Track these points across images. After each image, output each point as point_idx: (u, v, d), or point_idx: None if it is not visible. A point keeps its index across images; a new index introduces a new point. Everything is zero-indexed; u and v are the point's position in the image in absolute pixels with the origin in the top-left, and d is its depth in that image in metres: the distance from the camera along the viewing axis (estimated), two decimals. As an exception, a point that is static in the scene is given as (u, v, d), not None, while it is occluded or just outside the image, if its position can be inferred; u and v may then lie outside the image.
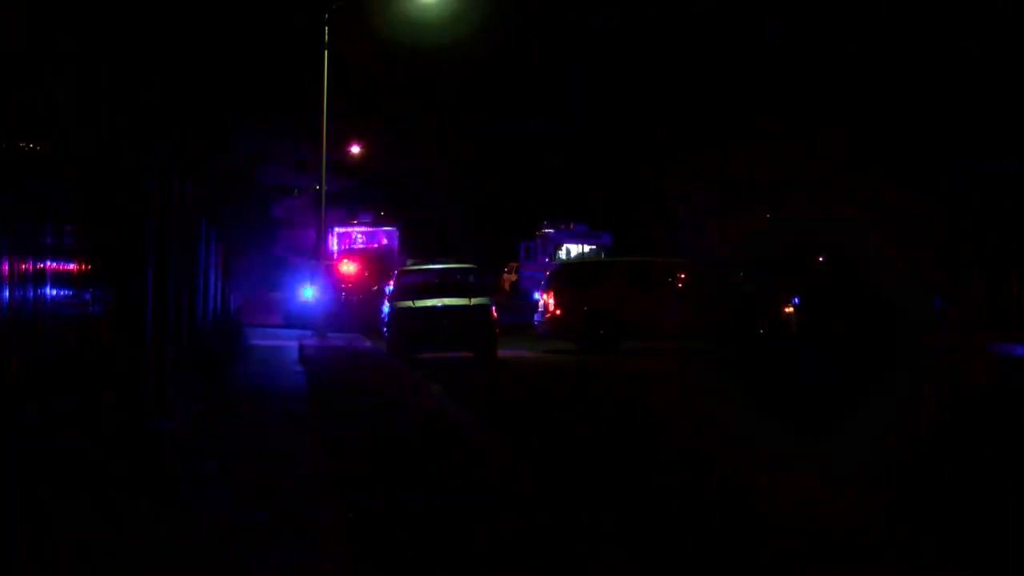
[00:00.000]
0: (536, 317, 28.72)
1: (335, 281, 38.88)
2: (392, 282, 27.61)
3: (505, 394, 18.26)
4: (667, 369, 22.95)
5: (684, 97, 51.05)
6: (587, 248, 53.34)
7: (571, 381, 20.58)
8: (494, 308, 25.60)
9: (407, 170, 63.31)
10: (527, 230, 57.36)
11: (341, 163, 52.28)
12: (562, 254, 52.63)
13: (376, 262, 41.41)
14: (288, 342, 29.01)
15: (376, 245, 45.01)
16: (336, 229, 44.51)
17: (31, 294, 7.90)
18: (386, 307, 26.78)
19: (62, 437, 8.16)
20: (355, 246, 44.71)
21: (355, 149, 57.57)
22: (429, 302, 25.45)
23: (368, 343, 29.60)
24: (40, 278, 8.17)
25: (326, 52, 32.81)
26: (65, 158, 8.31)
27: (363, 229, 46.18)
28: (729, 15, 48.60)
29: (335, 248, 43.56)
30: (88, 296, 9.20)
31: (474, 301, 25.46)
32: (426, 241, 57.20)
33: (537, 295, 29.28)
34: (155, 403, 9.53)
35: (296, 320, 37.58)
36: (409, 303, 25.57)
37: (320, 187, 35.44)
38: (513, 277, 61.05)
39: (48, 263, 8.35)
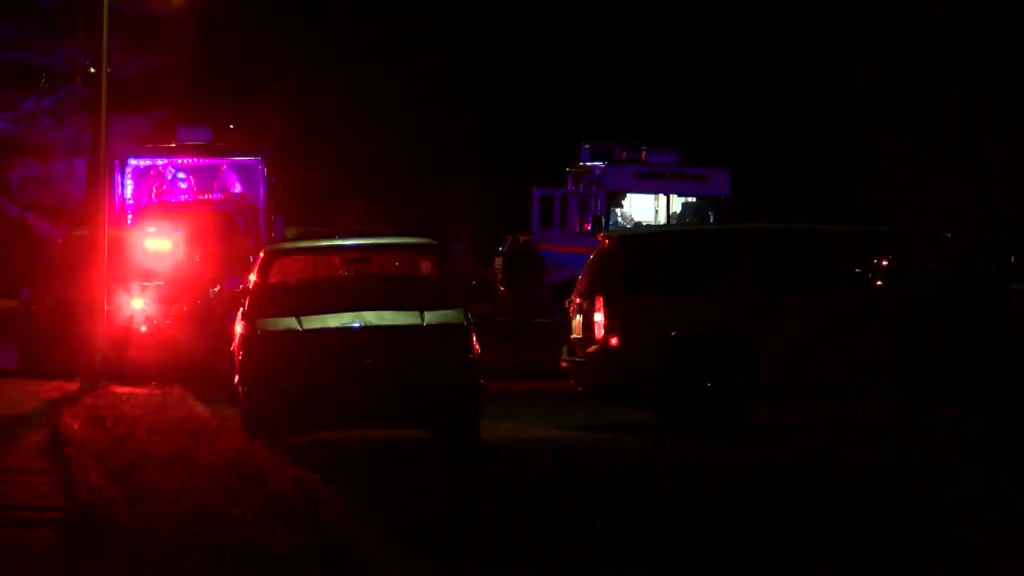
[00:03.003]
0: (570, 348, 19.48)
1: (125, 270, 24.96)
2: (254, 274, 18.08)
3: (494, 536, 10.54)
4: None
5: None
6: (678, 202, 37.04)
7: (644, 507, 11.89)
8: (473, 332, 16.47)
9: (287, 33, 40.99)
10: (548, 166, 38.58)
11: (144, 18, 34.29)
12: (622, 214, 35.37)
13: (218, 231, 27.92)
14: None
15: (219, 195, 31.46)
16: (132, 161, 31.07)
17: None
18: (240, 329, 16.97)
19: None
20: (173, 197, 31.26)
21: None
22: (334, 319, 16.66)
23: (197, 405, 17.37)
24: None
25: None
26: None
27: (190, 160, 31.90)
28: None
29: (130, 200, 30.36)
30: None
31: (430, 317, 16.60)
32: (332, 188, 40.86)
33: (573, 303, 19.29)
34: None
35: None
36: (291, 322, 16.64)
37: (100, 68, 22.02)
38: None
39: None
